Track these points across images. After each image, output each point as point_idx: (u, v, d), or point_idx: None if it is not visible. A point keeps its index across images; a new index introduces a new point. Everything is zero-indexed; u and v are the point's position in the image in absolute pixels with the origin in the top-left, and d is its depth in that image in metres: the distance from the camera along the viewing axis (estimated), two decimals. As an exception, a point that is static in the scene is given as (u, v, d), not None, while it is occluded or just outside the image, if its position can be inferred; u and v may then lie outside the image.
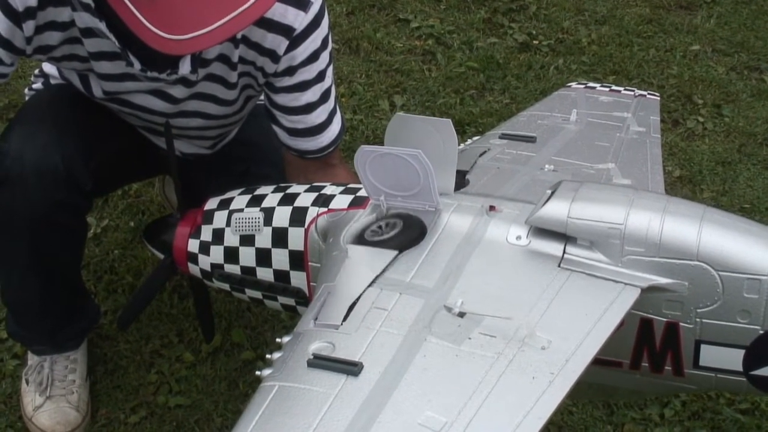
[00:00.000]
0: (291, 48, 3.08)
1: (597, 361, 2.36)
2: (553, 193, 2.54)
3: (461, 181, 2.87)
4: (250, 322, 4.12)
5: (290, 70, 3.13)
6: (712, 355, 2.52)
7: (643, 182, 3.04)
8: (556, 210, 2.47)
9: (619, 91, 3.78)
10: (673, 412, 3.98)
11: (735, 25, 6.55)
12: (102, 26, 2.92)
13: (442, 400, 2.13)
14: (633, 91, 3.84)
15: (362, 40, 6.20)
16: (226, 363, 3.94)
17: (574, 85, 3.92)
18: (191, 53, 2.93)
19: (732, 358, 2.51)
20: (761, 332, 2.46)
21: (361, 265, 2.49)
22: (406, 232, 2.53)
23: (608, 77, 5.98)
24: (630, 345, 2.57)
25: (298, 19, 3.03)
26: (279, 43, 3.06)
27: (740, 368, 2.53)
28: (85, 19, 2.96)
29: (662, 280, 2.43)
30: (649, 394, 3.80)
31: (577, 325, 2.30)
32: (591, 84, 3.90)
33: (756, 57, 6.22)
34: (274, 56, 3.09)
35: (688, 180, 5.20)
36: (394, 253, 2.51)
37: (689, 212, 2.49)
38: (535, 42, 6.33)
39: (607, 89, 3.81)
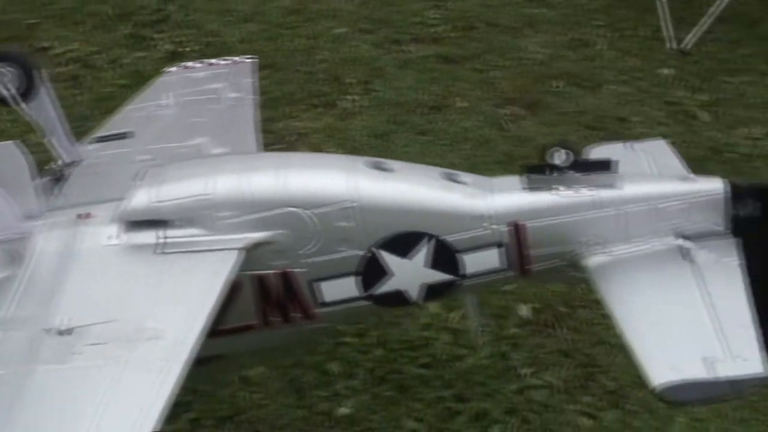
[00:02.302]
0: None
1: (229, 331, 2.45)
2: (138, 182, 2.54)
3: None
4: None
5: None
6: (331, 290, 2.60)
7: (239, 146, 3.09)
8: (142, 198, 2.49)
9: (216, 64, 3.83)
10: (359, 382, 4.01)
11: (375, 4, 6.74)
12: None
13: (61, 428, 2.09)
14: (230, 60, 3.91)
15: (1, 74, 5.92)
16: None
17: (172, 69, 3.93)
18: None
19: (349, 287, 2.61)
20: (363, 254, 2.55)
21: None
22: None
23: (261, 71, 5.98)
24: (253, 305, 2.60)
25: None
26: None
27: (360, 293, 2.63)
28: None
29: (260, 235, 2.47)
30: (305, 343, 3.86)
31: (182, 305, 2.30)
32: (189, 64, 3.94)
33: (396, 30, 6.42)
34: None
35: (347, 157, 5.29)
36: None
37: (269, 163, 2.55)
38: (184, 50, 6.27)
39: (204, 64, 3.85)
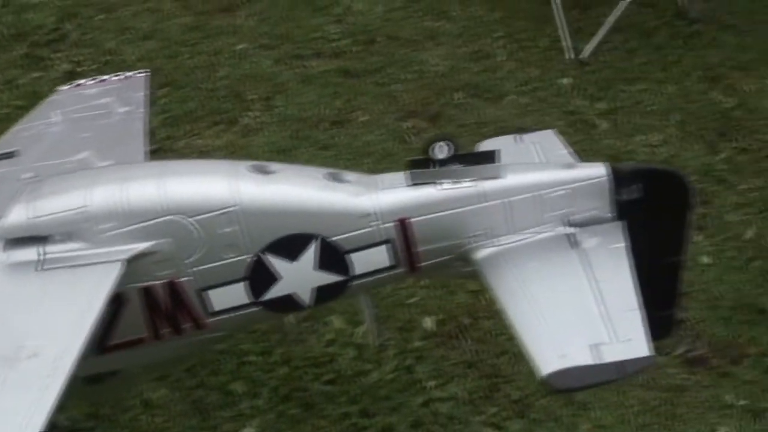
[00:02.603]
0: None
1: (119, 346, 2.43)
2: (15, 199, 2.50)
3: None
4: None
5: None
6: (220, 298, 2.56)
7: (126, 158, 3.06)
8: (18, 215, 2.43)
9: (106, 80, 3.79)
10: (263, 401, 3.96)
11: (275, 19, 6.67)
12: None
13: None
14: (121, 75, 3.87)
15: None
16: None
17: (63, 88, 3.89)
18: None
19: (238, 294, 2.57)
20: (250, 260, 2.52)
21: None
22: None
23: (160, 90, 5.91)
24: (142, 318, 2.54)
25: None
26: None
27: (251, 299, 2.59)
28: None
29: (142, 245, 2.43)
30: (199, 354, 3.83)
31: (63, 320, 2.25)
32: (80, 81, 3.89)
33: (297, 46, 6.37)
34: None
35: (250, 173, 5.24)
36: None
37: (147, 172, 2.53)
38: (82, 69, 6.15)
39: (94, 81, 3.81)
